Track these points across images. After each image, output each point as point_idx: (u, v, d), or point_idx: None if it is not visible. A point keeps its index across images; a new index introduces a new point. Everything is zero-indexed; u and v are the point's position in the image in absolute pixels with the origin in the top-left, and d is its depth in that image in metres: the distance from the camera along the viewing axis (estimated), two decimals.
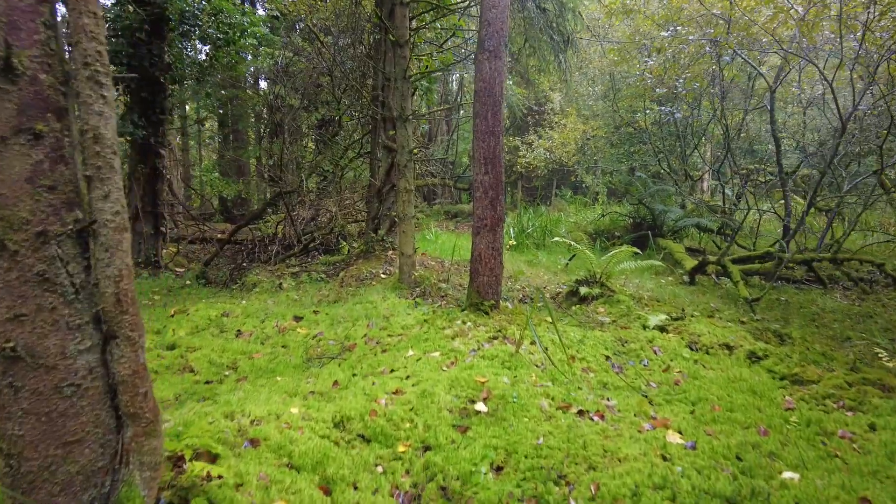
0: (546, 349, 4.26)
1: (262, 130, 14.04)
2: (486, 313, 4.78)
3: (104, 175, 1.95)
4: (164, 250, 9.86)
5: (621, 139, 12.31)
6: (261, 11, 15.77)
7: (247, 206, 15.95)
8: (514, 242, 9.54)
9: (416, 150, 7.05)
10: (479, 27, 4.81)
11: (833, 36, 7.99)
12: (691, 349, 4.66)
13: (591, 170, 15.80)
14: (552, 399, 3.42)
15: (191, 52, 9.83)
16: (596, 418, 3.26)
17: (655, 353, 4.55)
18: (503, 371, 3.73)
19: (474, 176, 4.77)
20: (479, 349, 4.17)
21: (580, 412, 3.30)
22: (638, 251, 6.68)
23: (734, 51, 7.36)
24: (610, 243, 10.69)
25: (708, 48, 7.27)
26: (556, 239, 7.01)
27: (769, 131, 14.32)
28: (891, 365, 4.04)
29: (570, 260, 8.05)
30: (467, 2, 7.13)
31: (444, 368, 3.86)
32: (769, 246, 9.57)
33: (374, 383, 3.70)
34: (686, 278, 7.73)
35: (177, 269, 9.65)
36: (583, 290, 6.44)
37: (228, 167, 16.62)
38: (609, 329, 5.36)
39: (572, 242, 6.92)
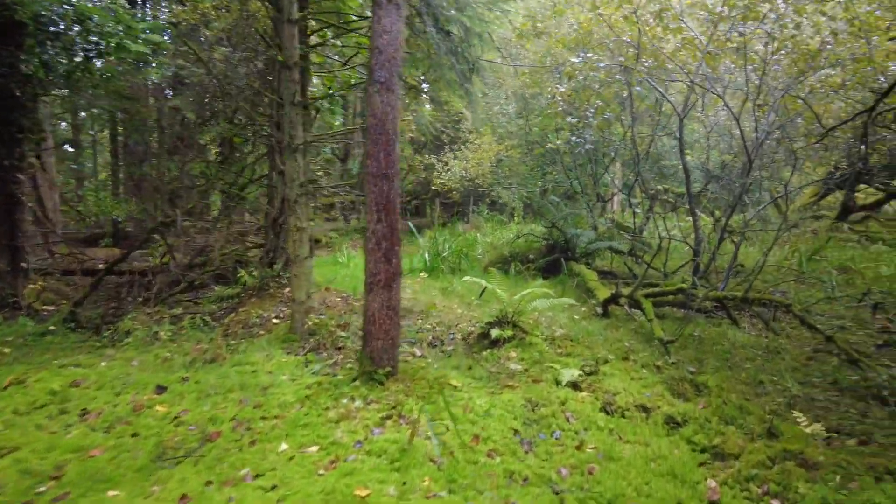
0: (448, 429, 3.63)
1: (157, 145, 12.63)
2: (381, 383, 4.08)
3: None
4: (29, 286, 8.43)
5: (534, 160, 12.01)
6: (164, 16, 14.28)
7: (143, 226, 14.38)
8: (426, 275, 8.91)
9: (318, 179, 6.25)
10: (370, 55, 4.12)
11: (734, 67, 7.97)
12: (606, 413, 4.18)
13: (509, 186, 15.50)
14: None
15: (61, 62, 8.47)
16: None
17: (568, 420, 4.02)
18: (391, 476, 3.04)
19: (367, 224, 4.06)
20: (366, 439, 3.46)
21: None
22: (551, 292, 6.22)
23: (645, 79, 7.11)
24: (524, 267, 10.29)
25: (619, 75, 6.98)
26: (467, 279, 6.42)
27: (676, 147, 14.56)
28: (809, 431, 3.71)
29: (481, 295, 7.53)
30: (369, 20, 6.40)
31: (321, 472, 3.12)
32: (680, 266, 9.50)
33: (230, 500, 2.91)
34: (599, 310, 7.39)
35: (44, 309, 8.27)
36: (494, 332, 5.89)
37: (127, 184, 14.95)
38: (520, 383, 4.83)
39: (482, 282, 6.36)
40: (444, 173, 13.54)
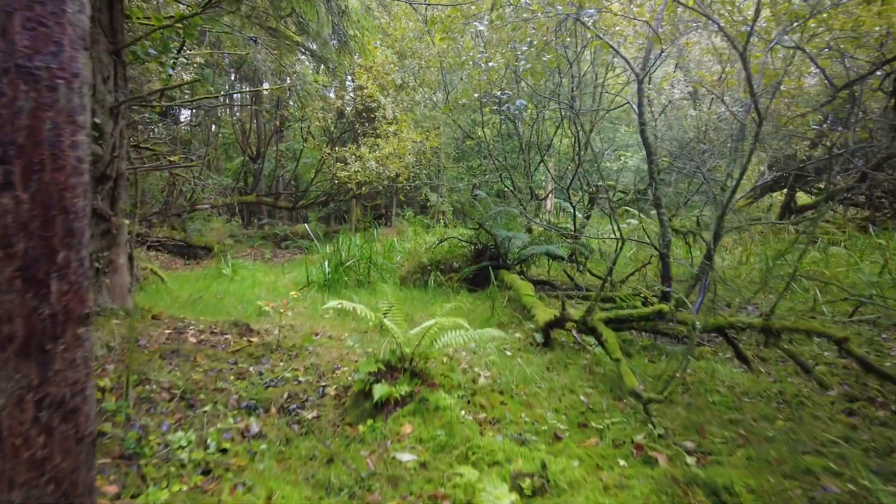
0: None
1: None
2: None
3: None
4: None
5: (462, 153, 9.78)
6: None
7: None
8: (296, 294, 6.35)
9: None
10: None
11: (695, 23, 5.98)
12: None
13: (436, 188, 13.15)
14: None
15: None
16: None
17: None
18: None
19: None
20: None
21: None
22: (464, 322, 3.84)
23: (582, 21, 4.96)
24: (447, 277, 7.95)
25: (559, 3, 4.79)
26: (331, 304, 3.93)
27: (612, 152, 12.66)
28: None
29: (381, 327, 5.10)
30: None
31: None
32: (629, 274, 7.46)
33: None
34: (539, 337, 5.13)
35: None
36: (378, 390, 3.46)
37: None
38: (407, 499, 2.44)
39: (352, 305, 3.87)
40: (352, 164, 10.87)
